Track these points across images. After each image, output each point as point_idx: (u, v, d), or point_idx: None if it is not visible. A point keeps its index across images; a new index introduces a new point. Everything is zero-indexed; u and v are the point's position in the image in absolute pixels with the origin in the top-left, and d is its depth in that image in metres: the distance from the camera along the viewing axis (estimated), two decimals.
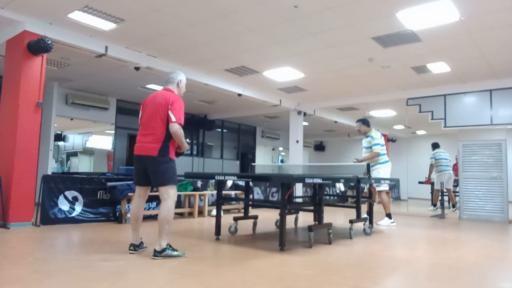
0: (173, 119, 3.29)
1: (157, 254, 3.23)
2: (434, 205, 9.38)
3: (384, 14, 4.81)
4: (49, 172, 8.18)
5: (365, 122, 6.24)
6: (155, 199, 6.27)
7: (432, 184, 9.78)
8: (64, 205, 5.34)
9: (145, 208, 6.11)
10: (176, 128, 3.28)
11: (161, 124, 3.34)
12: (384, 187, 5.97)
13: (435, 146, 9.47)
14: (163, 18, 5.10)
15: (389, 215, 6.09)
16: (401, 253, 3.84)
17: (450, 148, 9.70)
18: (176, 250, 3.34)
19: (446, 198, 9.75)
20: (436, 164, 9.20)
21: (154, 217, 6.21)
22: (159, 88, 8.80)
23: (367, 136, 6.17)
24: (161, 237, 3.27)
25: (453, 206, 9.15)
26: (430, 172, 9.42)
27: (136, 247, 3.48)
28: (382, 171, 6.02)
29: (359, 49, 6.04)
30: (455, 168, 9.11)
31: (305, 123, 11.47)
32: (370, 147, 6.09)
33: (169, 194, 3.32)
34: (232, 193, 7.76)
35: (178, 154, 3.54)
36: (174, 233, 4.65)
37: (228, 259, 3.34)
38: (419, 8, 4.62)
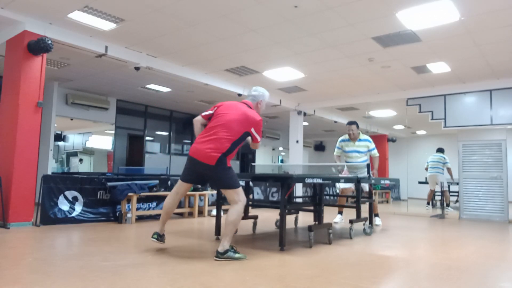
0: (259, 139, 3.57)
1: (220, 255, 3.23)
2: (428, 203, 9.80)
3: (384, 14, 4.81)
4: (49, 172, 8.18)
5: (358, 125, 6.15)
6: (155, 199, 6.27)
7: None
8: (64, 205, 5.34)
9: (144, 209, 6.15)
10: (258, 145, 3.63)
11: (231, 138, 3.37)
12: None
13: (436, 150, 9.81)
14: (163, 18, 5.10)
15: (377, 215, 6.16)
16: (401, 253, 3.84)
17: (450, 148, 9.72)
18: (238, 253, 3.32)
19: (437, 198, 10.05)
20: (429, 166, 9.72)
21: (154, 217, 6.21)
22: (159, 88, 8.83)
23: (361, 140, 6.01)
24: (225, 239, 3.28)
25: (447, 205, 9.28)
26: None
27: (159, 236, 3.55)
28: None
29: (359, 49, 6.04)
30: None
31: (305, 123, 11.47)
32: (365, 152, 6.01)
33: (240, 198, 3.35)
34: None
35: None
36: (174, 233, 4.65)
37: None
38: (419, 8, 4.62)
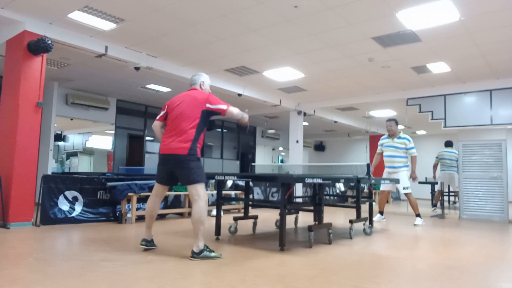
0: (224, 107, 3.45)
1: (195, 255, 3.23)
2: (434, 205, 9.32)
3: (384, 14, 4.81)
4: (49, 172, 8.18)
5: (397, 122, 6.25)
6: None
7: (432, 184, 9.77)
8: (64, 205, 5.34)
9: (144, 209, 6.14)
10: (231, 110, 3.47)
11: (191, 125, 3.38)
12: (409, 189, 6.11)
13: (445, 144, 9.28)
14: (163, 18, 5.10)
15: (419, 215, 6.24)
16: (401, 253, 3.84)
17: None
18: (213, 251, 3.34)
19: (445, 198, 9.76)
20: (440, 164, 9.20)
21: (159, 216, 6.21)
22: (159, 88, 8.83)
23: (400, 138, 6.14)
24: (197, 238, 3.27)
25: None
26: (433, 172, 9.42)
27: (147, 243, 3.54)
28: (406, 174, 6.11)
29: (359, 49, 6.04)
30: None
31: (305, 123, 11.47)
32: (403, 149, 6.09)
33: (200, 194, 3.33)
34: (232, 193, 7.76)
35: (240, 128, 3.78)
36: (174, 233, 4.65)
37: (228, 259, 3.34)
38: (419, 8, 4.62)
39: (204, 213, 3.32)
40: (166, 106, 3.58)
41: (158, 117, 3.61)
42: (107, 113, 9.85)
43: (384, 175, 6.41)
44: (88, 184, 5.62)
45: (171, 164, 3.41)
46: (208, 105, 3.43)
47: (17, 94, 5.06)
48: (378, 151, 6.56)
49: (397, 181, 5.87)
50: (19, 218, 4.92)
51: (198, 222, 3.28)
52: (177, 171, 3.41)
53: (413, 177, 6.15)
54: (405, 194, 6.23)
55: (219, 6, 4.74)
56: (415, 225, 6.09)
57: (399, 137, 6.18)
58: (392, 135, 6.21)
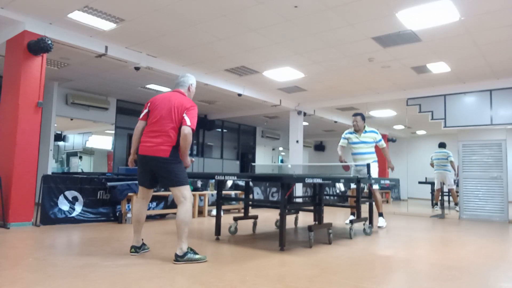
0: (188, 122, 3.22)
1: (179, 258, 3.12)
2: (435, 204, 9.49)
3: (384, 14, 4.81)
4: (49, 172, 8.18)
5: (363, 117, 6.17)
6: (155, 199, 6.27)
7: (432, 184, 9.82)
8: (64, 205, 5.34)
9: None
10: (187, 131, 3.20)
11: (175, 127, 3.27)
12: (377, 185, 5.94)
13: (438, 146, 9.52)
14: (163, 18, 5.10)
15: (381, 214, 6.02)
16: (401, 253, 3.84)
17: (450, 148, 9.70)
18: (197, 254, 3.24)
19: (445, 198, 9.82)
20: (435, 164, 9.39)
21: (154, 217, 6.22)
22: (159, 88, 8.82)
23: (367, 132, 6.02)
24: (181, 240, 3.16)
25: (456, 204, 9.16)
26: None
27: (137, 249, 3.43)
28: (376, 169, 5.97)
29: (359, 49, 6.04)
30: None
31: (305, 123, 11.47)
32: (372, 143, 6.01)
33: (185, 195, 3.26)
34: (232, 193, 7.76)
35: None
36: (174, 233, 4.65)
37: (228, 259, 3.34)
38: (419, 8, 4.62)
39: (190, 214, 3.24)
40: (149, 104, 3.45)
41: (141, 116, 3.45)
42: (107, 113, 9.85)
43: (353, 173, 6.19)
44: (88, 184, 5.62)
45: (151, 166, 3.31)
46: (184, 115, 3.26)
47: (17, 94, 5.06)
48: (341, 143, 6.24)
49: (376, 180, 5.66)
50: (19, 218, 4.92)
51: (183, 224, 3.18)
52: (158, 174, 3.30)
53: (391, 167, 6.04)
54: (373, 189, 5.86)
55: (219, 6, 4.74)
56: (379, 227, 5.75)
57: (366, 131, 6.00)
58: (358, 130, 6.08)
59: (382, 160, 6.21)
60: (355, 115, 6.14)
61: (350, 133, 6.18)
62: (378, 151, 6.11)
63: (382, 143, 6.05)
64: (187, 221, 3.21)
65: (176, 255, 3.14)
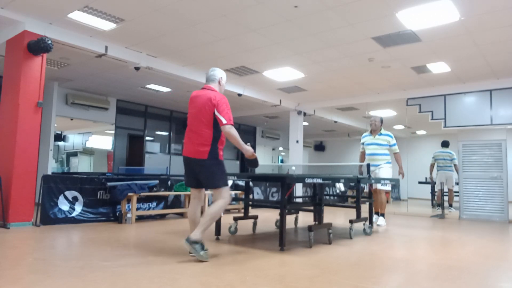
0: (224, 121, 3.21)
1: (190, 242, 3.13)
2: (438, 204, 9.37)
3: (384, 14, 4.81)
4: (49, 172, 8.18)
5: (382, 120, 6.22)
6: (155, 199, 6.27)
7: (432, 184, 9.80)
8: (64, 205, 5.34)
9: (144, 209, 6.14)
10: (227, 130, 3.21)
11: (207, 126, 3.28)
12: (388, 187, 5.97)
13: (441, 145, 9.38)
14: (163, 18, 5.10)
15: (383, 215, 6.09)
16: (401, 253, 3.84)
17: (451, 148, 9.69)
18: (205, 251, 3.20)
19: (445, 198, 9.77)
20: (436, 164, 9.29)
21: (154, 217, 6.22)
22: (159, 88, 8.83)
23: (382, 134, 6.08)
24: (200, 228, 3.19)
25: (450, 205, 9.15)
26: (430, 172, 9.58)
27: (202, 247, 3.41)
28: (388, 171, 6.02)
29: (359, 49, 6.04)
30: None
31: (305, 123, 11.47)
32: (385, 145, 6.04)
33: (224, 196, 3.30)
34: (232, 193, 7.77)
35: (249, 163, 3.51)
36: (174, 233, 4.65)
37: (228, 259, 3.34)
38: (419, 8, 4.62)
39: (220, 212, 3.30)
40: (189, 104, 3.48)
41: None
42: (107, 113, 9.85)
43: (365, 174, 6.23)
44: (88, 184, 5.62)
45: (193, 167, 3.36)
46: (215, 112, 3.26)
47: (17, 94, 5.06)
48: (361, 149, 6.34)
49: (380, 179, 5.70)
50: (19, 218, 4.92)
51: (210, 216, 3.22)
52: (199, 175, 3.35)
53: (401, 173, 6.08)
54: (380, 189, 5.98)
55: (219, 6, 4.74)
56: (378, 225, 5.89)
57: (381, 134, 6.09)
58: (373, 130, 6.15)
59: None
60: (374, 117, 6.25)
61: (366, 135, 6.31)
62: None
63: (396, 148, 6.10)
64: (214, 216, 3.26)
65: (189, 237, 3.17)
